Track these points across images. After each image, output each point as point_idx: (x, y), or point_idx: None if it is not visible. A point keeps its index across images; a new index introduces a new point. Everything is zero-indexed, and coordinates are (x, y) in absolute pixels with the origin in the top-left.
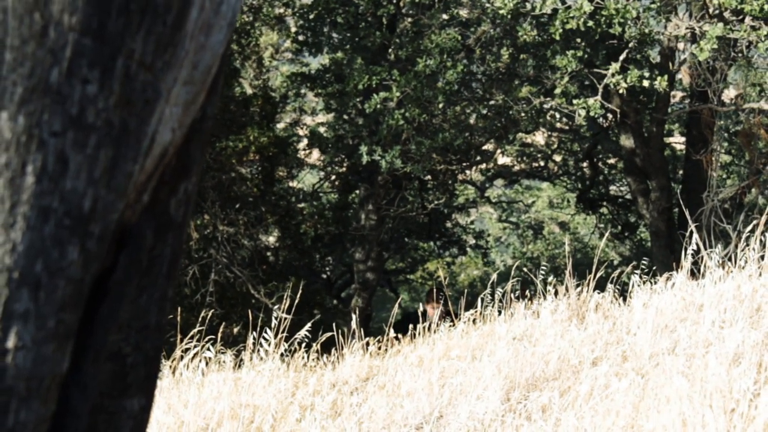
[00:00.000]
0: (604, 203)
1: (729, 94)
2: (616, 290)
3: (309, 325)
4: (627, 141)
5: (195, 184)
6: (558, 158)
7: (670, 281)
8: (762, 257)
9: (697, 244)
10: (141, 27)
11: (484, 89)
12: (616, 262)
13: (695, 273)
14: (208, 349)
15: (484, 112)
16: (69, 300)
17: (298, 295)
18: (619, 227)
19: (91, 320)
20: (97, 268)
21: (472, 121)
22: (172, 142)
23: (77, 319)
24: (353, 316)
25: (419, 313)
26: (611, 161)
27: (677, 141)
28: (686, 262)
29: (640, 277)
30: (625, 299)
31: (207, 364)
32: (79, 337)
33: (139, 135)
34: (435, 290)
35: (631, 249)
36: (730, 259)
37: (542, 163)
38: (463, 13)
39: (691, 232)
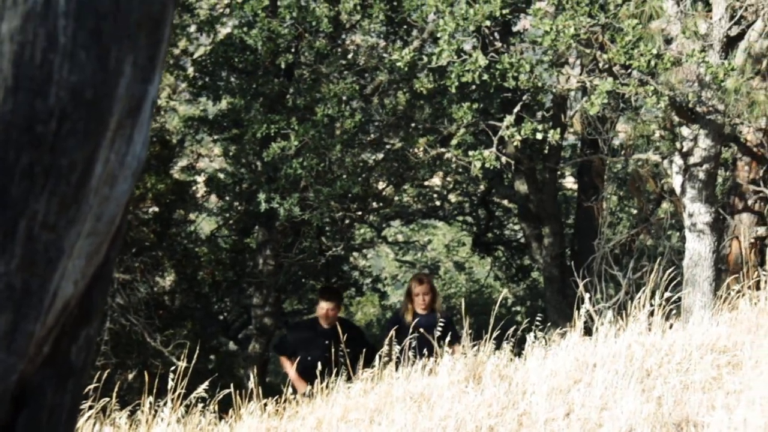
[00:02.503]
0: (499, 247)
1: (619, 139)
2: (513, 343)
3: (206, 383)
4: (521, 186)
5: (96, 328)
6: (453, 198)
7: (564, 339)
8: (652, 313)
9: (590, 296)
10: (45, 188)
11: (381, 134)
12: (510, 302)
13: (589, 327)
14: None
15: (381, 155)
16: None
17: (197, 350)
18: (514, 270)
19: None
20: None
21: (370, 162)
22: (74, 294)
23: None
24: (251, 375)
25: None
26: (506, 204)
27: (570, 183)
28: (579, 321)
29: (535, 335)
30: (521, 354)
31: (101, 424)
32: None
33: (42, 294)
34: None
35: (525, 289)
36: (621, 309)
37: (438, 203)
38: (361, 60)
39: (585, 284)
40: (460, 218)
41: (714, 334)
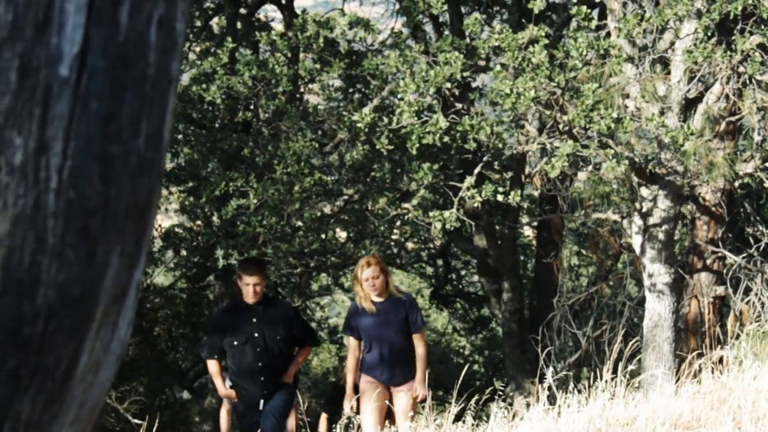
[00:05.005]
0: (458, 299)
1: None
2: (474, 411)
3: None
4: (480, 241)
5: None
6: (411, 245)
7: (527, 410)
8: (614, 379)
9: (550, 360)
10: (30, 388)
11: (339, 185)
12: (467, 351)
13: (551, 393)
14: None
15: (340, 204)
16: None
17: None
18: (472, 322)
19: None
20: None
21: (327, 210)
22: None
23: None
24: None
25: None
26: (465, 258)
27: (529, 231)
28: (543, 393)
29: (497, 404)
30: (482, 417)
31: None
32: None
33: None
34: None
35: (483, 339)
36: (581, 366)
37: (395, 251)
38: (321, 118)
39: (543, 342)
40: (417, 266)
41: (677, 408)
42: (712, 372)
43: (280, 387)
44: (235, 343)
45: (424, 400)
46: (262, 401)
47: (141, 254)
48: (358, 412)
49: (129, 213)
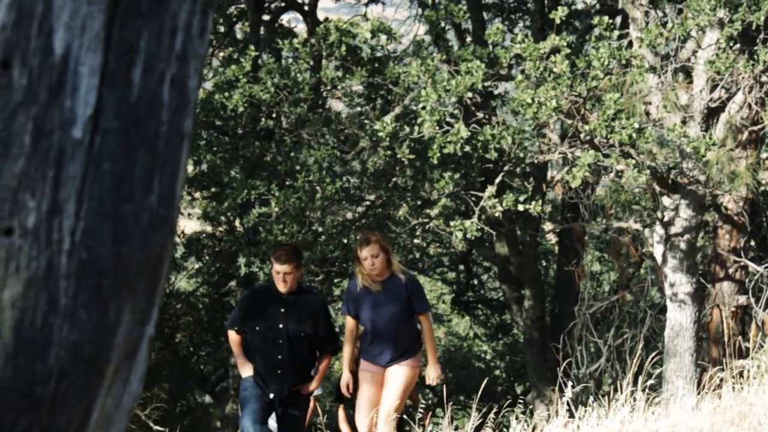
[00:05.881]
0: (479, 305)
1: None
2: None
3: None
4: (501, 249)
5: None
6: (432, 250)
7: (547, 424)
8: (633, 393)
9: (573, 373)
10: None
11: (361, 191)
12: (489, 356)
13: (571, 408)
14: None
15: (362, 209)
16: None
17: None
18: (493, 329)
19: None
20: None
21: (349, 215)
22: None
23: None
24: None
25: None
26: (486, 263)
27: (551, 236)
28: (562, 407)
29: (517, 417)
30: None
31: None
32: None
33: None
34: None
35: (504, 345)
36: (601, 375)
37: (417, 255)
38: (343, 126)
39: (564, 351)
40: (439, 270)
41: (697, 424)
42: (733, 387)
43: (298, 396)
44: (257, 329)
45: (439, 383)
46: (272, 395)
47: (153, 309)
48: (354, 396)
49: (141, 270)
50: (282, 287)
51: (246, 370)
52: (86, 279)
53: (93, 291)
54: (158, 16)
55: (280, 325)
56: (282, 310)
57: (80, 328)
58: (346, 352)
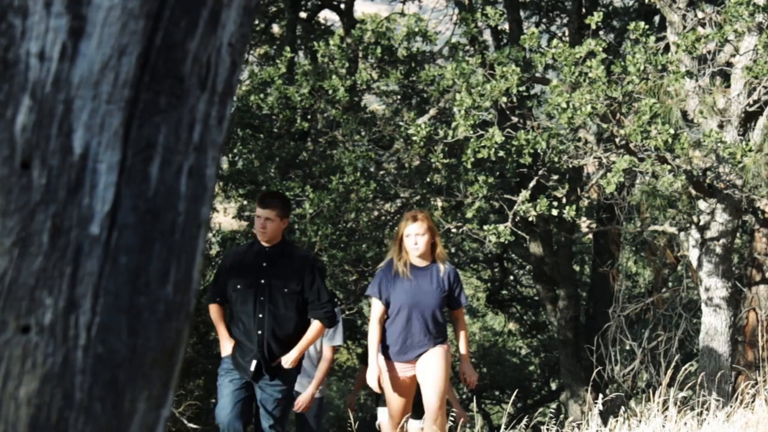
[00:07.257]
0: (514, 303)
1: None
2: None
3: None
4: (536, 248)
5: None
6: (467, 245)
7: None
8: (665, 403)
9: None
10: None
11: (396, 187)
12: (523, 352)
13: (604, 416)
14: None
15: (397, 206)
16: None
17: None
18: (528, 326)
19: None
20: None
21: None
22: None
23: None
24: None
25: None
26: (521, 262)
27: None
28: (593, 419)
29: (548, 425)
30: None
31: None
32: None
33: None
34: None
35: (539, 341)
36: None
37: (453, 250)
38: (378, 128)
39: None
40: (474, 266)
41: None
42: (766, 400)
43: (278, 370)
44: (239, 286)
45: (474, 385)
46: (254, 362)
47: (169, 393)
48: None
49: (156, 359)
50: (261, 236)
51: (227, 347)
52: (102, 373)
53: (108, 384)
54: (176, 110)
55: (262, 281)
56: (264, 264)
57: (95, 421)
58: (373, 338)
